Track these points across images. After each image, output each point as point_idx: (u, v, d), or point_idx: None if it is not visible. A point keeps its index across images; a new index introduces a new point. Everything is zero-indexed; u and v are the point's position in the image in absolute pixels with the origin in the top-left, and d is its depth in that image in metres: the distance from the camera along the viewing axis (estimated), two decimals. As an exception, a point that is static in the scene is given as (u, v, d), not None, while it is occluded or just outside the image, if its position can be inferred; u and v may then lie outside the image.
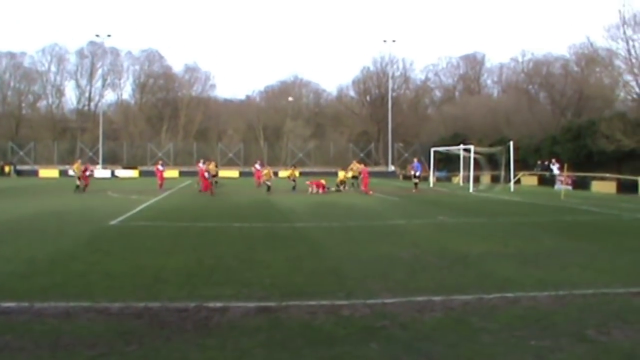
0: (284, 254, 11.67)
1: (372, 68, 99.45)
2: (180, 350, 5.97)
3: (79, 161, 39.00)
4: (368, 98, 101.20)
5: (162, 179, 39.53)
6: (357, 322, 6.98)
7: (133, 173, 74.27)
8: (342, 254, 11.84)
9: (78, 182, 34.87)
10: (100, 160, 79.23)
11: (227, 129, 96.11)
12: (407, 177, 66.05)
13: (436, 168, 42.73)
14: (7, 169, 73.81)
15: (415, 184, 36.85)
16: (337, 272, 9.96)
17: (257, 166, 40.19)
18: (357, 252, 12.10)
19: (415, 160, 39.36)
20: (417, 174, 37.68)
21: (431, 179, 46.18)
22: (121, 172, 74.25)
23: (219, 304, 7.62)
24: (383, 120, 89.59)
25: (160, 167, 40.73)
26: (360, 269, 10.21)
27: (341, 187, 35.77)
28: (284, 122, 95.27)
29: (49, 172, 74.15)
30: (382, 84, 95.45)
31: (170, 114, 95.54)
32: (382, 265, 10.53)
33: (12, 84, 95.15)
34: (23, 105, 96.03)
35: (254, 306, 7.58)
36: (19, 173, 73.64)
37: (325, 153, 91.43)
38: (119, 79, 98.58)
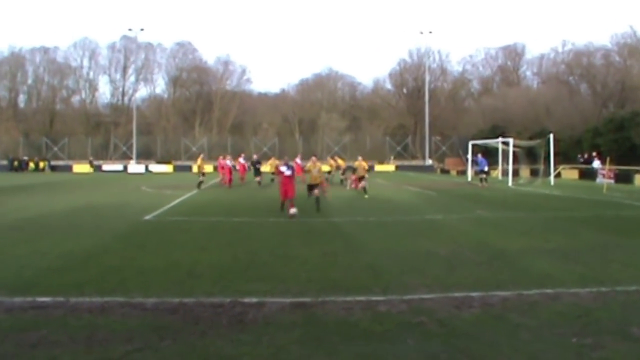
0: (320, 249, 11.69)
1: (408, 60, 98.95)
2: (215, 345, 6.02)
3: (202, 156, 36.83)
4: (404, 90, 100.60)
5: (230, 174, 36.15)
6: (394, 318, 6.96)
7: (167, 168, 74.92)
8: (379, 249, 11.81)
9: (201, 178, 32.93)
10: (134, 155, 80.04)
11: (261, 122, 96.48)
12: (444, 171, 65.54)
13: (474, 162, 42.13)
14: (41, 164, 75.10)
15: (483, 179, 36.12)
16: (374, 267, 9.94)
17: (298, 160, 39.88)
18: (393, 247, 12.05)
19: (480, 155, 38.49)
20: (486, 168, 36.99)
21: (469, 173, 45.62)
22: (155, 167, 74.93)
23: (254, 300, 7.67)
24: (420, 113, 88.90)
25: (228, 162, 38.82)
26: (397, 264, 10.16)
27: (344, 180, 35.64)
28: (319, 115, 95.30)
29: (82, 167, 75.16)
30: (419, 76, 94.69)
31: (203, 107, 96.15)
32: (419, 261, 10.47)
33: (45, 79, 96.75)
34: (57, 100, 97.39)
35: (289, 302, 7.61)
36: (53, 168, 74.89)
37: (361, 146, 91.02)
38: (152, 73, 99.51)
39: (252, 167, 37.81)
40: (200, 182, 32.28)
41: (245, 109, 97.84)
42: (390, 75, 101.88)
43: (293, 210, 17.31)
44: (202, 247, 11.97)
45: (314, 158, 20.52)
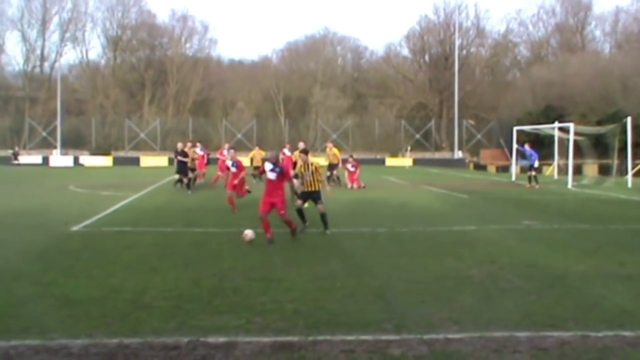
0: (311, 271, 11.66)
1: (432, 18, 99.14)
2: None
3: (189, 144, 36.29)
4: (426, 58, 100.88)
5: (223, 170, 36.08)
6: (410, 365, 6.90)
7: (105, 161, 74.64)
8: (391, 270, 11.77)
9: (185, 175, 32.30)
10: (58, 144, 79.14)
11: (235, 100, 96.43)
12: (479, 167, 65.64)
13: (521, 154, 42.14)
14: None
15: (533, 177, 35.95)
16: (384, 295, 9.91)
17: (286, 151, 39.67)
18: (410, 268, 12.02)
19: (527, 145, 38.09)
20: (536, 164, 36.86)
21: (513, 170, 45.70)
22: (88, 160, 74.61)
23: (221, 339, 7.60)
24: (447, 89, 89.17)
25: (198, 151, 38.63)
26: (415, 291, 10.12)
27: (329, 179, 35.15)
28: (312, 91, 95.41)
29: None
30: (446, 38, 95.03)
31: (155, 79, 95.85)
32: (444, 287, 10.43)
33: None
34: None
35: (269, 341, 7.55)
36: None
37: (368, 133, 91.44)
38: (83, 31, 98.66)
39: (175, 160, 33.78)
40: (181, 181, 31.75)
41: (211, 81, 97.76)
42: (408, 38, 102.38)
43: (298, 228, 16.11)
44: (153, 268, 11.89)
45: (302, 155, 17.96)
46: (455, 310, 9.01)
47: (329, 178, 35.52)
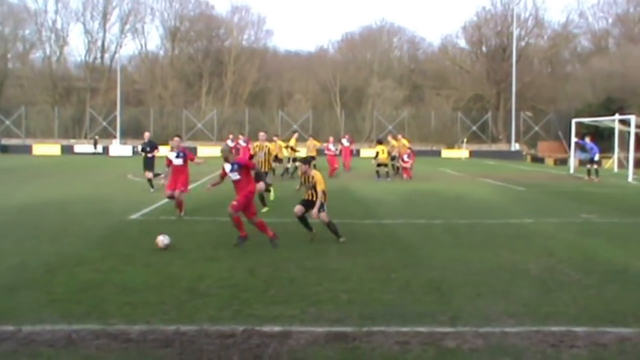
0: (366, 261, 11.63)
1: (490, 8, 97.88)
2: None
3: (295, 135, 37.25)
4: (484, 49, 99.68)
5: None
6: (465, 358, 6.84)
7: (162, 150, 74.87)
8: (446, 262, 11.69)
9: (288, 164, 34.12)
10: (117, 133, 79.94)
11: (291, 91, 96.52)
12: (537, 159, 64.78)
13: (580, 147, 41.44)
14: None
15: (593, 170, 35.30)
16: (439, 287, 9.84)
17: (345, 142, 39.90)
18: (466, 260, 11.93)
19: (588, 139, 37.44)
20: (596, 157, 36.25)
21: (572, 163, 44.95)
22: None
23: (276, 329, 7.62)
24: (505, 81, 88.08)
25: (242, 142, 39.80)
26: (471, 283, 10.03)
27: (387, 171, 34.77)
28: (368, 82, 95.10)
29: (47, 148, 74.67)
30: (504, 29, 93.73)
31: (212, 70, 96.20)
32: (501, 280, 10.31)
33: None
34: (9, 56, 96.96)
35: (324, 332, 7.54)
36: (4, 149, 73.93)
37: (423, 125, 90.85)
38: (143, 22, 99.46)
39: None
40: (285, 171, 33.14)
41: (268, 72, 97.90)
42: (465, 29, 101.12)
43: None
44: (209, 257, 12.02)
45: (302, 165, 15.03)
46: (511, 303, 8.89)
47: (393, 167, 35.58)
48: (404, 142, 36.28)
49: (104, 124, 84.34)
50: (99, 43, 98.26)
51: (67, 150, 73.31)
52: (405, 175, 34.17)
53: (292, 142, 35.95)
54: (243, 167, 13.76)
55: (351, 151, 39.34)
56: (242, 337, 7.31)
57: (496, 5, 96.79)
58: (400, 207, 21.04)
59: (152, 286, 9.72)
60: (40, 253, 12.08)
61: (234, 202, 13.18)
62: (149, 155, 27.92)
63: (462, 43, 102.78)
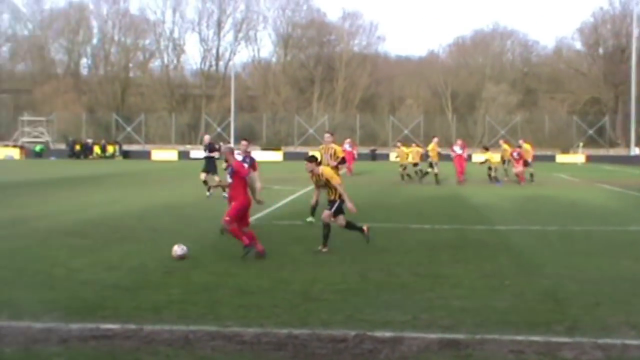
0: (479, 268, 11.46)
1: (608, 9, 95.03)
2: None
3: (436, 140, 36.45)
4: (601, 51, 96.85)
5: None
6: (584, 370, 6.63)
7: (275, 155, 75.76)
8: (563, 270, 11.38)
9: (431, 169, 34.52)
10: (232, 138, 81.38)
11: (402, 96, 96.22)
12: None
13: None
14: (110, 149, 76.75)
15: None
16: (555, 295, 9.59)
17: (458, 149, 38.87)
18: (583, 268, 11.59)
19: None
20: None
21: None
22: (259, 154, 75.85)
23: (388, 334, 7.56)
24: (623, 83, 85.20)
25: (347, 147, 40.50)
26: (589, 292, 9.71)
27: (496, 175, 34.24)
28: (481, 86, 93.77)
29: (164, 154, 76.99)
30: (623, 30, 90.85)
31: (324, 76, 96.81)
32: (620, 289, 9.96)
33: (116, 37, 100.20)
34: (130, 65, 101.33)
35: (436, 338, 7.44)
36: (125, 154, 76.93)
37: (537, 129, 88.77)
38: (255, 30, 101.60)
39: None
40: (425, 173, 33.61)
41: (379, 77, 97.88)
42: (581, 30, 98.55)
43: None
44: (321, 262, 12.08)
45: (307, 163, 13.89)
46: (633, 314, 8.55)
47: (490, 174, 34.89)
48: (527, 147, 35.55)
49: (219, 129, 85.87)
50: (214, 51, 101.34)
51: (183, 155, 75.20)
52: (520, 181, 33.52)
53: (431, 147, 35.52)
54: (235, 173, 12.94)
55: (465, 158, 38.70)
56: (354, 342, 7.30)
57: (614, 5, 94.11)
58: (514, 213, 20.69)
59: (265, 289, 9.83)
60: (158, 255, 12.41)
61: (226, 217, 12.44)
62: (209, 156, 26.86)
63: (577, 45, 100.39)
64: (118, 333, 7.56)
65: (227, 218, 12.41)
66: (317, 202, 16.71)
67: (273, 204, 21.97)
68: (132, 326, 7.77)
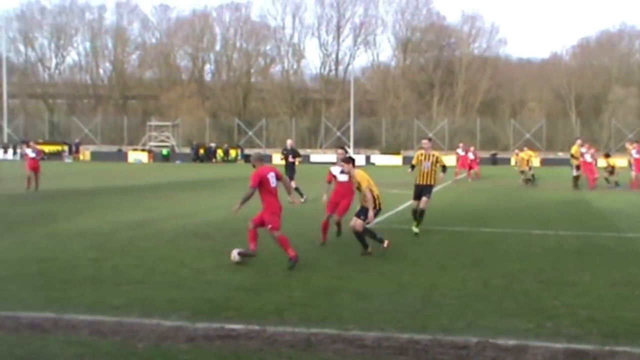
0: (606, 276, 11.07)
1: None
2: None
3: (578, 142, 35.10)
4: None
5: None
6: None
7: (394, 160, 75.44)
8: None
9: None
10: (351, 143, 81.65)
11: (523, 99, 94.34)
12: None
13: None
14: (232, 153, 78.80)
15: None
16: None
17: (588, 157, 37.18)
18: None
19: None
20: None
21: None
22: (379, 159, 75.87)
23: (511, 342, 7.38)
24: None
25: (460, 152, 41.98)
26: None
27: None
28: (607, 88, 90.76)
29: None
30: None
31: (444, 79, 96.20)
32: None
33: (238, 43, 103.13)
34: (252, 71, 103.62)
35: (562, 348, 7.20)
36: (247, 158, 77.45)
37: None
38: (374, 34, 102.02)
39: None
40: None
41: (499, 80, 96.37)
42: None
43: None
44: (442, 267, 11.95)
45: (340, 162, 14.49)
46: None
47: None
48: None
49: (338, 134, 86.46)
50: (333, 56, 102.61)
51: (304, 159, 75.35)
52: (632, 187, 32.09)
53: (574, 149, 34.59)
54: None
55: (593, 163, 37.28)
56: (476, 349, 7.15)
57: None
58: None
59: (386, 293, 9.79)
60: (279, 258, 12.50)
61: (270, 226, 12.22)
62: (290, 161, 26.86)
63: None
64: (242, 333, 7.69)
65: (271, 226, 12.23)
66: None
67: (393, 208, 21.87)
68: (256, 327, 7.89)
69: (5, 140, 79.87)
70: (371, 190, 13.04)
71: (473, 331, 7.78)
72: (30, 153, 29.20)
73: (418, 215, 15.95)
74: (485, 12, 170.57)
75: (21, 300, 9.13)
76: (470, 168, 40.84)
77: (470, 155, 41.00)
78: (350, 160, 13.71)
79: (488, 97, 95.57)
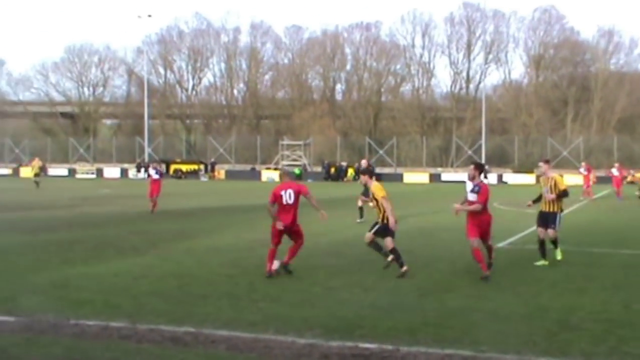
0: None
1: None
2: None
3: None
4: None
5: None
6: None
7: (527, 178, 73.34)
8: None
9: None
10: (483, 160, 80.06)
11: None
12: None
13: None
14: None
15: None
16: None
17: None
18: None
19: None
20: None
21: None
22: (511, 177, 74.31)
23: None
24: None
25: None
26: None
27: None
28: None
29: (416, 177, 76.77)
30: None
31: (578, 96, 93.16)
32: None
33: (368, 63, 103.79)
34: (382, 90, 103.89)
35: None
36: (377, 177, 76.90)
37: None
38: (506, 51, 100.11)
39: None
40: None
41: (638, 97, 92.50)
42: None
43: None
44: (580, 289, 11.61)
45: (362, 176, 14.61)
46: None
47: None
48: None
49: (469, 152, 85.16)
50: (464, 74, 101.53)
51: (435, 178, 75.26)
52: None
53: None
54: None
55: None
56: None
57: None
58: None
59: (522, 315, 9.60)
60: (413, 279, 12.46)
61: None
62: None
63: None
64: (375, 352, 7.69)
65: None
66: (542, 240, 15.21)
67: (527, 228, 21.39)
68: (389, 347, 7.87)
69: (147, 159, 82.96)
70: (384, 197, 13.05)
71: (615, 357, 7.54)
72: (154, 174, 28.79)
73: (551, 243, 14.99)
74: (623, 25, 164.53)
75: (163, 314, 9.47)
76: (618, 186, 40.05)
77: (615, 172, 40.17)
78: (367, 172, 13.96)
79: (626, 114, 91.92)
